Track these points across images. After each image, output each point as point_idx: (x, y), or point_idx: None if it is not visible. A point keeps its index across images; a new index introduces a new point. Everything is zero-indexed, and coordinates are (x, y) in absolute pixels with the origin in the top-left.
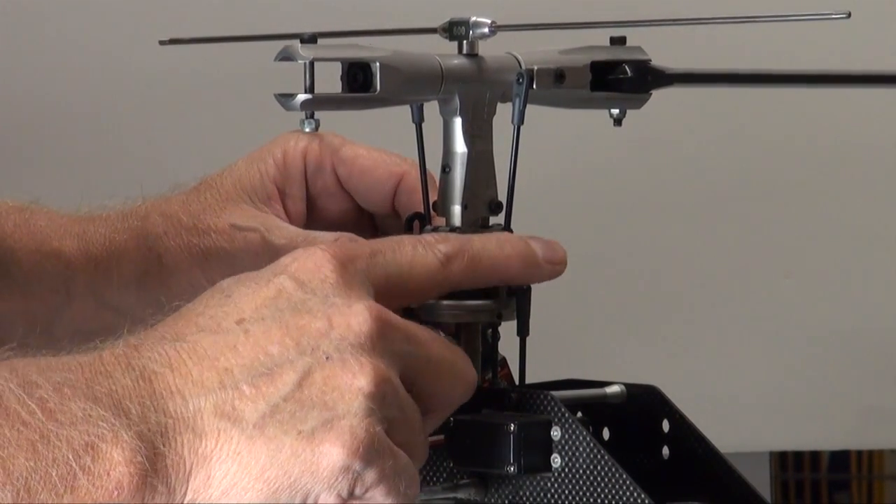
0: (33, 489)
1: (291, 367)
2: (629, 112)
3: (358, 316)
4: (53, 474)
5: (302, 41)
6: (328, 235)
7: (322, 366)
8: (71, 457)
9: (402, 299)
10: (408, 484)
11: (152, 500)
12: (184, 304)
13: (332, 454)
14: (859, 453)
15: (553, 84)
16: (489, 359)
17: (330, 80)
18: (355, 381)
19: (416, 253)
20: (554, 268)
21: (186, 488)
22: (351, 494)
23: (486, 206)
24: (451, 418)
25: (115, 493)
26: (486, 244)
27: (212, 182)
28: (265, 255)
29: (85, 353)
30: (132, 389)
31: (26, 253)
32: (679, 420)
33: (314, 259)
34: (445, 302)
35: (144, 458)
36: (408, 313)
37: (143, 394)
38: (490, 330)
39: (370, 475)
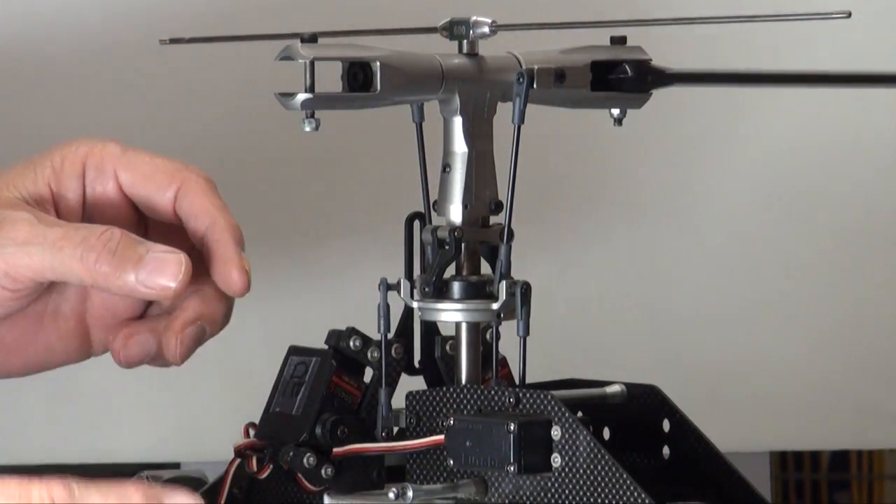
0: None
1: None
2: (629, 112)
3: None
4: None
5: (302, 41)
6: (97, 227)
7: None
8: None
9: None
10: None
11: None
12: None
13: None
14: (859, 453)
15: (553, 84)
16: (489, 359)
17: (330, 80)
18: None
19: None
20: None
21: None
22: None
23: (486, 206)
24: (452, 418)
25: None
26: None
27: None
28: (34, 242)
29: None
30: None
31: None
32: (679, 420)
33: None
34: (445, 303)
35: None
36: (407, 311)
37: None
38: (490, 330)
39: None
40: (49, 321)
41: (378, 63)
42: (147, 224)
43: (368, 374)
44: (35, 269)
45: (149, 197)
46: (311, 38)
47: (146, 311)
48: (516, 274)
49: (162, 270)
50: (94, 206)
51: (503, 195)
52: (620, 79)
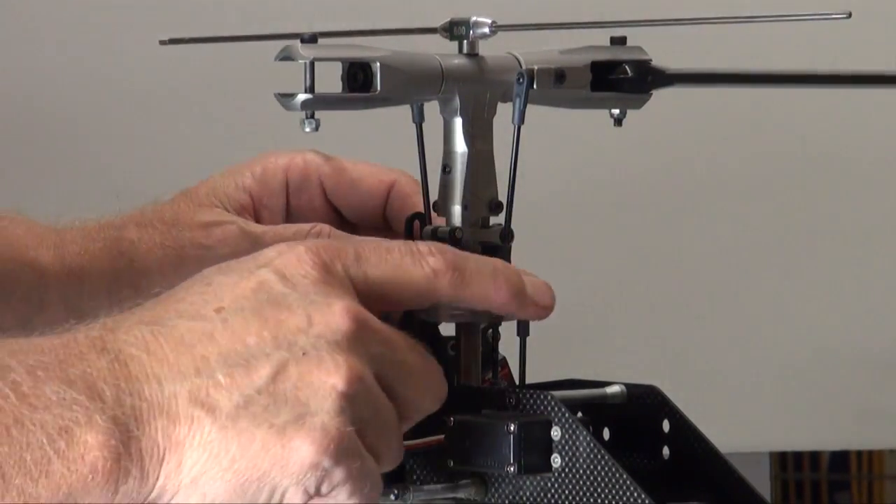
0: (7, 474)
1: (267, 360)
2: (629, 112)
3: (337, 315)
4: (28, 458)
5: (302, 41)
6: (304, 226)
7: (298, 361)
8: (45, 440)
9: (385, 306)
10: (372, 486)
11: (126, 483)
12: (164, 290)
13: (302, 450)
14: (859, 453)
15: (553, 84)
16: (489, 359)
17: (330, 80)
18: (330, 378)
19: (404, 262)
20: (539, 310)
21: (159, 472)
22: (317, 491)
23: (486, 206)
24: (452, 418)
25: (90, 476)
26: (481, 268)
27: (186, 192)
28: (242, 244)
29: (59, 335)
30: (107, 372)
31: (1, 262)
32: (679, 420)
33: (297, 254)
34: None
35: (119, 442)
36: (407, 313)
37: (118, 376)
38: (490, 330)
39: (338, 474)
40: None
41: (378, 63)
42: (353, 230)
43: None
44: None
45: (360, 202)
46: (311, 39)
47: None
48: None
49: None
50: (296, 214)
51: (503, 195)
52: (620, 79)
